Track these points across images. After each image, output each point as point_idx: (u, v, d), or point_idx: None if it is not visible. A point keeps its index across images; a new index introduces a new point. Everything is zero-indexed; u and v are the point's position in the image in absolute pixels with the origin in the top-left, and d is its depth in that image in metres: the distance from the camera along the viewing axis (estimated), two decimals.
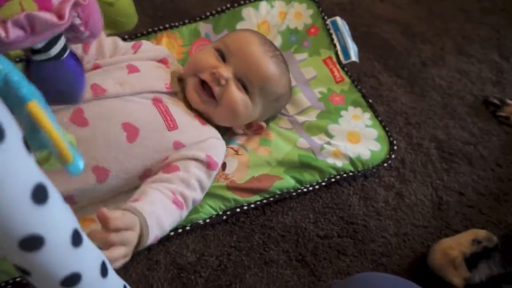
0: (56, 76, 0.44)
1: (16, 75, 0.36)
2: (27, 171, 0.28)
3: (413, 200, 0.72)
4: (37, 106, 0.34)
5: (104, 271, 0.35)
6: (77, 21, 0.43)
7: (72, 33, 0.43)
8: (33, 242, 0.28)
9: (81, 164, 0.38)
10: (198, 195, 0.62)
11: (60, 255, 0.31)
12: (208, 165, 0.62)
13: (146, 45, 0.73)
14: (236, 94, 0.64)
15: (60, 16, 0.39)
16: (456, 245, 0.61)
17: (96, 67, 0.65)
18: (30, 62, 0.44)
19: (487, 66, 0.93)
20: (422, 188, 0.73)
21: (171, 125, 0.62)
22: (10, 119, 0.27)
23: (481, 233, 0.63)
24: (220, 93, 0.64)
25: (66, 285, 0.32)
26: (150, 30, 0.82)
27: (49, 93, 0.45)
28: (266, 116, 0.73)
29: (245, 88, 0.65)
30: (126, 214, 0.52)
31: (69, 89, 0.46)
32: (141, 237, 0.53)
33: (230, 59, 0.65)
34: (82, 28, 0.44)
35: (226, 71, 0.64)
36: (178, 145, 0.61)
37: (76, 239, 0.32)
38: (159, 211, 0.56)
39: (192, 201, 0.61)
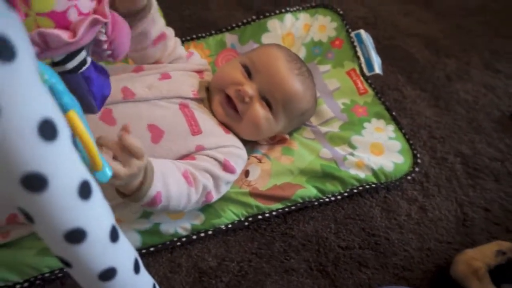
0: (71, 87, 0.45)
1: (60, 85, 0.38)
2: (75, 167, 0.30)
3: (437, 214, 0.70)
4: (76, 115, 0.36)
5: (137, 268, 0.37)
6: (103, 37, 0.44)
7: (95, 48, 0.44)
8: (77, 235, 0.30)
9: (109, 172, 0.39)
10: (210, 185, 0.61)
11: (99, 249, 0.32)
12: (224, 167, 0.63)
13: (195, 56, 0.76)
14: (259, 111, 0.66)
15: (75, 35, 0.40)
16: (480, 256, 0.60)
17: (139, 69, 0.67)
18: None
19: None
20: (446, 203, 0.72)
21: (195, 130, 0.63)
22: (62, 118, 0.29)
23: (505, 245, 0.62)
24: (243, 109, 0.66)
25: (103, 279, 0.33)
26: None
27: None
28: (290, 129, 0.74)
29: (269, 104, 0.67)
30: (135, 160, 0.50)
31: (83, 100, 0.46)
32: (145, 179, 0.52)
33: (256, 76, 0.66)
34: (105, 46, 0.44)
35: (250, 89, 0.65)
36: (199, 148, 0.63)
37: (114, 235, 0.33)
38: (167, 171, 0.55)
39: (203, 187, 0.59)
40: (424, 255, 0.66)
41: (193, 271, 0.61)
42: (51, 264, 0.59)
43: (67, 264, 0.32)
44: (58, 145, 0.27)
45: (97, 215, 0.32)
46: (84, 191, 0.30)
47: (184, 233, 0.64)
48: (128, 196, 0.52)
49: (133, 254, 0.37)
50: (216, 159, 0.62)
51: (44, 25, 0.40)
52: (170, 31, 0.69)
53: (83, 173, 0.30)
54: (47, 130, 0.27)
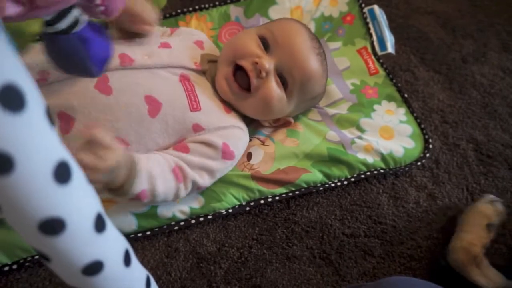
0: (67, 50, 0.41)
1: None
2: (50, 146, 0.26)
3: (446, 202, 0.68)
4: None
5: (127, 260, 0.33)
6: None
7: (87, 3, 0.40)
8: (54, 226, 0.26)
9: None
10: (203, 181, 0.58)
11: (82, 241, 0.28)
12: (223, 153, 0.59)
13: (183, 29, 0.72)
14: (274, 89, 0.61)
15: None
16: (477, 239, 0.59)
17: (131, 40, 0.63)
18: (45, 34, 0.42)
19: None
20: (457, 191, 0.69)
21: (194, 105, 0.59)
22: (33, 87, 0.25)
23: (489, 214, 0.61)
24: (257, 85, 0.61)
25: (88, 273, 0.30)
26: (179, 11, 0.80)
27: (63, 64, 0.43)
28: (297, 113, 0.69)
29: (284, 83, 0.62)
30: (118, 146, 0.49)
31: (81, 63, 0.44)
32: (128, 177, 0.50)
33: (275, 50, 0.61)
34: (98, 1, 0.41)
35: (268, 63, 0.60)
36: (197, 128, 0.59)
37: (100, 224, 0.30)
38: (154, 168, 0.53)
39: (192, 183, 0.57)
40: (432, 244, 0.63)
41: (191, 257, 0.59)
42: None
43: (44, 257, 0.28)
44: (26, 118, 0.23)
45: (78, 202, 0.28)
46: (62, 174, 0.26)
47: (182, 217, 0.61)
48: (114, 191, 0.51)
49: (122, 245, 0.33)
50: (213, 145, 0.58)
51: None
52: (162, 29, 0.69)
53: (60, 153, 0.26)
54: (11, 99, 0.23)
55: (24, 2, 0.34)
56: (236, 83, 0.61)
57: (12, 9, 0.32)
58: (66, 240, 0.27)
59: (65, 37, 0.40)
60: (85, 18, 0.41)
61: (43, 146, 0.25)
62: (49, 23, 0.39)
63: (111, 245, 0.32)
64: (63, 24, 0.39)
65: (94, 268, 0.30)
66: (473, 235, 0.60)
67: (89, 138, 0.43)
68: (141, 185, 0.52)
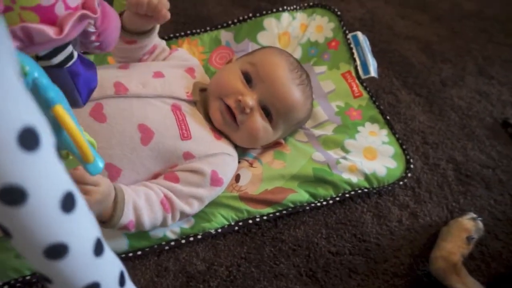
0: (57, 82, 0.43)
1: (45, 78, 0.36)
2: (59, 179, 0.28)
3: (428, 221, 0.70)
4: (63, 109, 0.35)
5: (122, 281, 0.35)
6: (92, 29, 0.42)
7: (83, 39, 0.42)
8: (58, 251, 0.28)
9: (101, 164, 0.38)
10: (192, 209, 0.60)
11: (82, 264, 0.30)
12: (211, 181, 0.61)
13: (180, 51, 0.75)
14: (259, 122, 0.64)
15: (61, 30, 0.38)
16: (456, 248, 0.62)
17: (125, 67, 0.66)
18: None
19: (508, 89, 0.92)
20: (437, 210, 0.72)
21: (185, 134, 0.61)
22: (45, 125, 0.27)
23: (469, 227, 0.65)
24: (242, 119, 0.64)
25: None
26: (171, 35, 0.83)
27: None
28: (285, 136, 0.73)
29: (268, 114, 0.65)
30: (104, 179, 0.52)
31: (69, 94, 0.45)
32: (115, 211, 0.53)
33: (258, 84, 0.65)
34: (93, 38, 0.43)
35: (251, 100, 0.63)
36: (188, 156, 0.61)
37: (98, 249, 0.32)
38: (140, 201, 0.56)
39: (180, 213, 0.60)
40: (414, 261, 0.66)
41: (181, 275, 0.60)
42: (32, 266, 0.57)
43: (46, 280, 0.30)
44: (40, 155, 0.25)
45: (81, 228, 0.30)
46: (68, 203, 0.28)
47: (173, 236, 0.62)
48: (103, 223, 0.54)
49: (118, 267, 0.35)
50: (202, 173, 0.60)
51: (29, 19, 0.37)
52: (158, 40, 0.71)
53: (67, 184, 0.28)
54: (28, 140, 0.25)
55: (22, 38, 0.36)
56: (229, 115, 0.64)
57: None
58: (68, 263, 0.29)
59: (57, 70, 0.42)
60: (76, 53, 0.43)
61: (53, 179, 0.27)
62: (43, 58, 0.40)
63: (108, 268, 0.34)
64: (57, 59, 0.41)
65: None
66: (453, 244, 0.63)
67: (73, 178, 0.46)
68: (128, 217, 0.55)
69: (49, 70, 0.41)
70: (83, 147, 0.35)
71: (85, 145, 0.36)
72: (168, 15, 0.61)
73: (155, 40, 0.70)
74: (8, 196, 0.25)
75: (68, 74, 0.44)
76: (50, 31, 0.38)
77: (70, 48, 0.42)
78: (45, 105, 0.35)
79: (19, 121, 0.24)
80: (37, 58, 0.41)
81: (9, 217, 0.26)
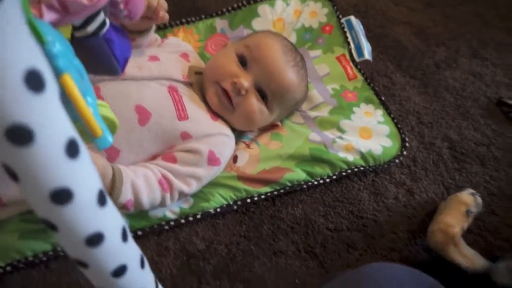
0: (94, 51, 0.45)
1: (56, 47, 0.36)
2: (63, 124, 0.29)
3: (424, 197, 0.71)
4: (69, 79, 0.34)
5: (124, 236, 0.36)
6: None
7: (112, 8, 0.44)
8: (63, 195, 0.29)
9: (110, 138, 0.38)
10: (190, 189, 0.61)
11: (86, 212, 0.31)
12: (208, 160, 0.62)
13: (172, 39, 0.76)
14: (254, 104, 0.65)
15: None
16: (455, 221, 0.61)
17: None
18: (74, 38, 0.45)
19: (501, 70, 0.92)
20: (433, 187, 0.73)
21: (182, 115, 0.62)
22: (50, 72, 0.28)
23: (469, 201, 0.64)
24: (238, 102, 0.65)
25: (90, 244, 0.32)
26: (167, 24, 0.84)
27: (91, 65, 0.47)
28: (281, 118, 0.74)
29: (264, 95, 0.66)
30: (100, 159, 0.53)
31: (107, 62, 0.47)
32: (113, 189, 0.54)
33: (253, 67, 0.65)
34: (121, 6, 0.44)
35: (246, 81, 0.64)
36: (185, 136, 0.62)
37: (102, 199, 0.32)
38: (139, 180, 0.57)
39: (179, 192, 0.60)
40: (411, 236, 0.66)
41: (181, 254, 0.61)
42: (34, 247, 0.58)
43: (52, 227, 0.31)
44: (45, 97, 0.26)
45: (85, 176, 0.31)
46: (72, 149, 0.29)
47: (172, 216, 0.63)
48: None
49: (121, 222, 0.36)
50: (199, 152, 0.61)
51: None
52: (154, 35, 0.73)
53: (71, 131, 0.29)
54: (34, 81, 0.25)
55: (58, 10, 0.38)
56: (226, 97, 0.65)
57: (49, 16, 0.36)
58: (72, 210, 0.30)
59: (93, 39, 0.43)
60: (108, 21, 0.45)
61: (58, 123, 0.28)
62: (79, 28, 0.42)
63: (111, 220, 0.34)
64: (91, 27, 0.42)
65: (96, 239, 0.33)
66: (451, 217, 0.62)
67: None
68: (126, 196, 0.56)
69: (86, 40, 0.43)
70: (89, 119, 0.35)
71: (91, 118, 0.35)
72: (166, 17, 0.63)
73: (151, 37, 0.71)
74: (16, 136, 0.25)
75: (104, 42, 0.45)
76: None
77: (102, 15, 0.44)
78: (56, 75, 0.36)
79: (25, 62, 0.25)
80: (74, 30, 0.43)
81: (17, 158, 0.27)
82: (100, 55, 0.42)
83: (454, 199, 0.66)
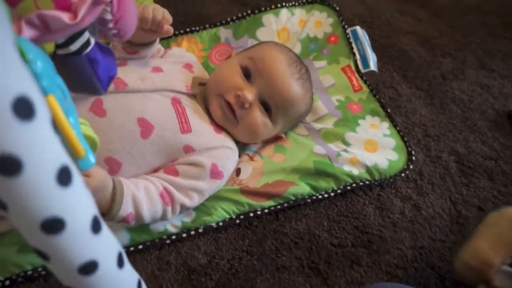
0: (76, 69, 0.43)
1: (39, 67, 0.36)
2: (54, 151, 0.28)
3: (431, 213, 0.70)
4: (53, 100, 0.33)
5: (120, 262, 0.35)
6: (108, 16, 0.42)
7: (101, 27, 0.43)
8: (54, 225, 0.28)
9: (92, 159, 0.37)
10: (192, 202, 0.60)
11: (79, 241, 0.30)
12: (211, 173, 0.61)
13: (175, 50, 0.75)
14: (258, 117, 0.65)
15: (76, 16, 0.38)
16: (500, 246, 0.44)
17: (123, 64, 0.66)
18: (56, 55, 0.44)
19: (509, 82, 0.91)
20: (440, 201, 0.71)
21: (185, 127, 0.61)
22: (41, 98, 0.27)
23: None
24: (242, 115, 0.64)
25: (83, 272, 0.31)
26: None
27: (72, 84, 0.46)
28: (285, 130, 0.73)
29: (268, 108, 0.65)
30: (99, 171, 0.52)
31: (89, 82, 0.46)
32: (113, 202, 0.53)
33: (257, 79, 0.65)
34: (110, 25, 0.43)
35: (250, 94, 0.63)
36: (188, 149, 0.61)
37: (96, 226, 0.31)
38: (139, 193, 0.56)
39: (180, 206, 0.59)
40: (417, 253, 0.65)
41: (182, 269, 0.60)
42: (33, 261, 0.57)
43: (44, 256, 0.30)
44: (35, 125, 0.25)
45: (78, 204, 0.30)
46: (64, 177, 0.28)
47: (174, 230, 0.62)
48: (102, 216, 0.53)
49: (116, 248, 0.35)
50: (201, 165, 0.60)
51: (44, 6, 0.38)
52: (157, 46, 0.71)
53: (63, 158, 0.28)
54: (23, 109, 0.25)
55: (39, 27, 0.37)
56: (230, 110, 0.64)
57: (28, 33, 0.35)
58: (65, 239, 0.29)
59: (76, 57, 0.42)
60: (93, 40, 0.44)
61: (49, 151, 0.27)
62: (61, 46, 0.41)
63: (106, 247, 0.33)
64: (74, 46, 0.41)
65: (90, 267, 0.31)
66: (494, 242, 0.46)
67: None
68: (127, 209, 0.55)
69: (68, 58, 0.42)
70: (72, 139, 0.34)
71: (75, 138, 0.35)
72: (171, 31, 0.63)
73: (155, 48, 0.70)
74: (4, 166, 0.25)
75: (87, 61, 0.44)
76: (65, 17, 0.38)
77: (86, 35, 0.43)
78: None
79: (14, 89, 0.24)
80: (56, 47, 0.42)
81: (5, 188, 0.26)
82: (82, 75, 0.40)
83: (503, 217, 0.47)
